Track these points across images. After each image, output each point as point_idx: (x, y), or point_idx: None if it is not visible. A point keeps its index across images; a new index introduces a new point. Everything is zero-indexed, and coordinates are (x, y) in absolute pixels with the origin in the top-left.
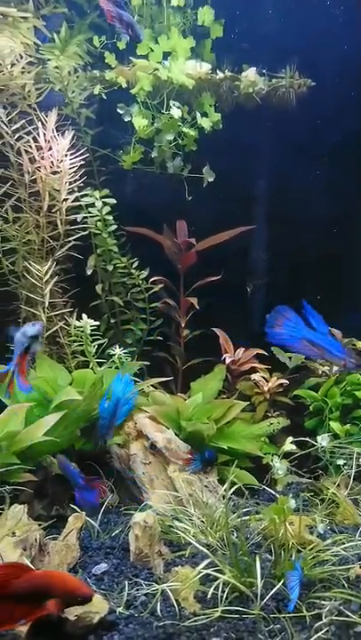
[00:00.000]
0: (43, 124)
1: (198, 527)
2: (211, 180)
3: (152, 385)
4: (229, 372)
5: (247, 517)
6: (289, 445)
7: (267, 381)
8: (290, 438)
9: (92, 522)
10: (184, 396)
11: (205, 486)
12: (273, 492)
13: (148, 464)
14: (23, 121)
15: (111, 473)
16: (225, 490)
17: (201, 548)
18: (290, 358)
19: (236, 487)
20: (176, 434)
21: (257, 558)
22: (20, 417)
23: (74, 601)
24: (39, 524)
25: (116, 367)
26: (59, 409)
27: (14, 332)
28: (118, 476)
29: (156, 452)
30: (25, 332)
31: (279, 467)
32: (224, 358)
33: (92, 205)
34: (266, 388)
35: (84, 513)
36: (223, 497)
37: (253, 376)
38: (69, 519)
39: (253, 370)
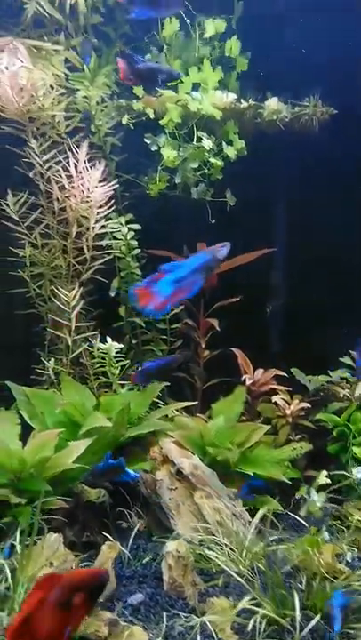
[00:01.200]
0: (72, 152)
1: (228, 555)
2: (232, 204)
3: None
4: (249, 394)
5: (279, 546)
6: (323, 479)
7: (288, 404)
8: (324, 472)
9: (123, 549)
10: (204, 416)
11: (233, 514)
12: (297, 518)
13: (174, 490)
14: (54, 151)
15: (138, 498)
16: (259, 520)
17: (239, 579)
18: (310, 380)
19: (261, 514)
20: (200, 458)
21: (294, 592)
22: (52, 443)
23: (99, 588)
24: (76, 556)
25: (138, 389)
26: (88, 435)
27: (200, 254)
28: (145, 501)
29: (182, 477)
30: (215, 253)
31: (317, 499)
32: (244, 379)
33: (118, 230)
34: (288, 412)
35: (117, 543)
36: (250, 524)
37: (274, 398)
38: (103, 548)
39: (273, 391)
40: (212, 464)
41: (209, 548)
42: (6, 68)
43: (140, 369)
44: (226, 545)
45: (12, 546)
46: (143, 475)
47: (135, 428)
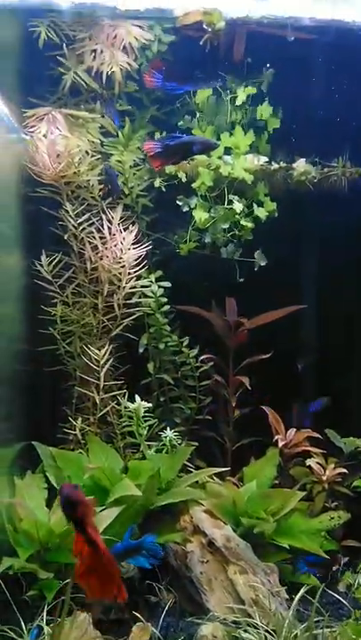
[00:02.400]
0: (106, 214)
1: (266, 639)
2: (263, 263)
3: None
4: (281, 455)
5: (321, 631)
6: None
7: (324, 468)
8: None
9: (154, 629)
10: (235, 479)
11: (269, 591)
12: (335, 595)
13: (205, 563)
14: (88, 214)
15: (167, 571)
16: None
17: None
18: (345, 443)
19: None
20: (233, 529)
21: None
22: None
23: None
24: (103, 634)
25: (166, 451)
26: (116, 503)
27: None
28: (175, 575)
29: (214, 550)
30: None
31: None
32: (276, 440)
33: (148, 287)
34: (324, 477)
35: (149, 624)
36: (288, 601)
37: (309, 462)
38: (134, 630)
39: (306, 453)
40: (245, 535)
41: (245, 631)
42: (44, 137)
43: (302, 410)
44: (262, 627)
45: (39, 626)
46: (173, 546)
47: (165, 495)
